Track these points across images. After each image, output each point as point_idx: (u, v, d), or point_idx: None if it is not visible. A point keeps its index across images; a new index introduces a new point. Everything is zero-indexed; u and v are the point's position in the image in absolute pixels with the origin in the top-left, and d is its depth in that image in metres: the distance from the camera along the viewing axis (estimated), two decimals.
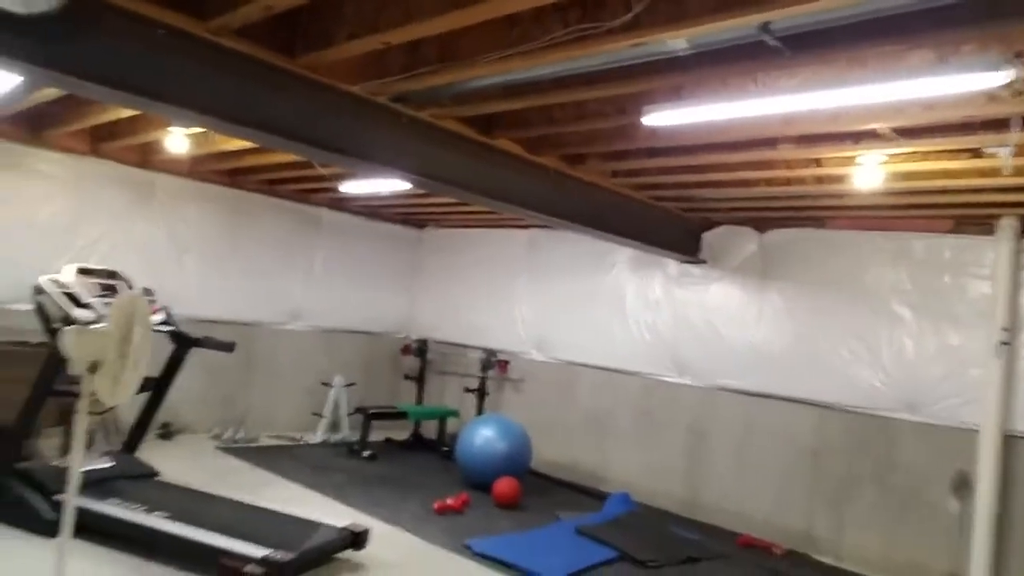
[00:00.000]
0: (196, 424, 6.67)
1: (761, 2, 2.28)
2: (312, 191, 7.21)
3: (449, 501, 5.21)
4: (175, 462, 5.27)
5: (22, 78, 3.69)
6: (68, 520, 2.76)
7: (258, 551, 3.50)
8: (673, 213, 5.84)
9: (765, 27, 2.47)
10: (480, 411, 7.05)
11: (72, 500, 2.75)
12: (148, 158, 6.30)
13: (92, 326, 2.89)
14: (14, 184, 5.69)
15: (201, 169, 6.55)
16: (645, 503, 5.93)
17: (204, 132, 4.92)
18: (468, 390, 7.17)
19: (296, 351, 7.43)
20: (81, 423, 2.84)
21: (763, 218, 5.85)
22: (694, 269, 6.17)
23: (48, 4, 2.43)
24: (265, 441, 6.85)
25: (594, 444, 6.60)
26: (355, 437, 6.97)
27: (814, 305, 5.52)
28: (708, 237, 6.12)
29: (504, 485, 5.46)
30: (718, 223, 6.09)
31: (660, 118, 3.36)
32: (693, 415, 6.04)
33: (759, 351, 5.71)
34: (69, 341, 2.71)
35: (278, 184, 7.05)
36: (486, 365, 7.11)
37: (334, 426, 7.27)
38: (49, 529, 3.91)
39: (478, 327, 7.57)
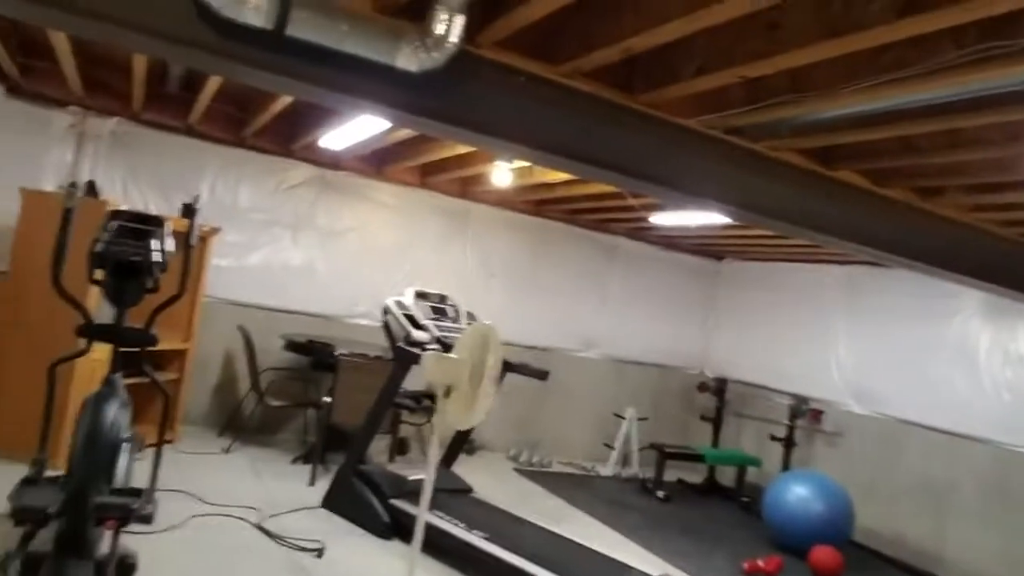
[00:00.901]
0: (493, 442, 7.02)
1: None
2: (611, 221, 7.29)
3: (760, 563, 4.82)
4: (478, 479, 5.53)
5: (389, 124, 4.16)
6: (419, 531, 2.94)
7: None
8: None
9: None
10: (786, 463, 6.51)
11: (423, 514, 2.93)
12: (466, 189, 6.83)
13: (448, 353, 3.09)
14: (363, 213, 6.49)
15: (511, 199, 6.94)
16: None
17: (527, 166, 5.18)
18: (774, 438, 6.66)
19: (588, 379, 7.51)
20: (435, 441, 3.03)
21: None
22: None
23: (436, 62, 2.63)
24: (557, 467, 6.98)
25: (927, 518, 5.70)
26: (646, 474, 6.83)
27: None
28: None
29: (826, 554, 4.92)
30: None
31: None
32: None
33: None
34: (428, 366, 2.92)
35: (580, 214, 7.23)
36: (795, 413, 6.55)
37: (625, 460, 7.21)
38: (383, 530, 4.33)
39: (784, 370, 7.03)
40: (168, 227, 3.50)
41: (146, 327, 3.47)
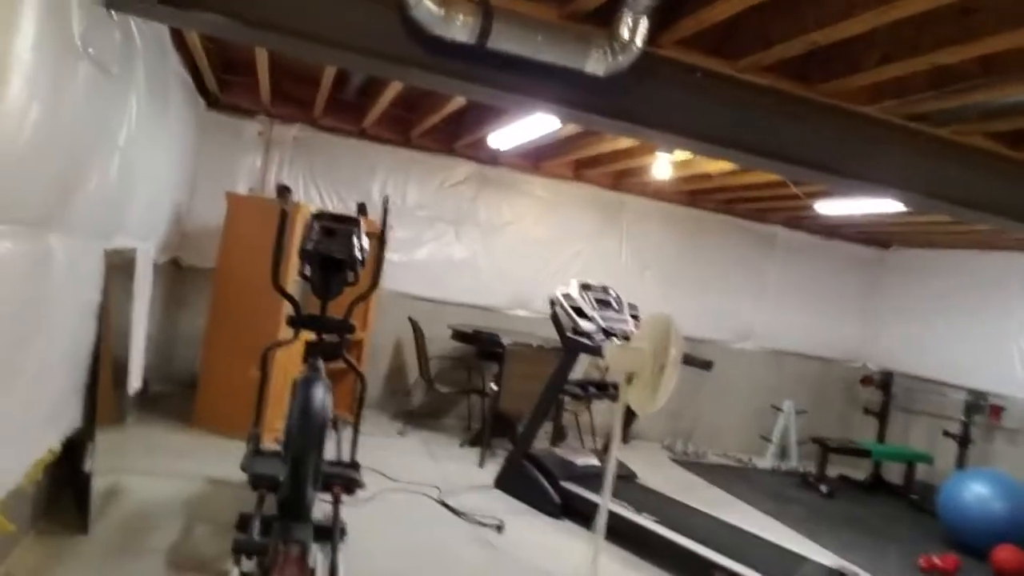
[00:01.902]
0: (647, 432, 7.08)
1: None
2: (768, 210, 7.14)
3: (936, 560, 4.64)
4: (637, 467, 5.64)
5: (560, 123, 4.33)
6: (603, 516, 3.09)
7: (751, 573, 3.53)
8: None
9: None
10: (962, 461, 6.16)
11: (607, 499, 3.08)
12: (619, 181, 6.91)
13: (628, 343, 3.22)
14: (520, 208, 6.74)
15: (665, 190, 6.95)
16: None
17: (688, 157, 5.20)
18: (947, 434, 6.31)
19: (744, 371, 7.41)
20: (616, 426, 3.18)
21: None
22: None
23: (621, 65, 2.76)
24: (712, 459, 6.96)
25: None
26: (805, 467, 6.68)
27: None
28: None
29: (1009, 554, 4.67)
30: None
31: None
32: None
33: None
34: (611, 354, 3.07)
35: (735, 203, 7.13)
36: (972, 409, 6.18)
37: (782, 453, 7.07)
38: (555, 511, 4.53)
39: (958, 363, 6.62)
40: (363, 226, 3.86)
41: (346, 317, 3.85)
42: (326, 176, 6.23)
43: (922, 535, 5.40)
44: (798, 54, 2.92)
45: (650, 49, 2.81)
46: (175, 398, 5.50)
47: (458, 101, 4.69)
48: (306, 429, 3.55)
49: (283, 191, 3.67)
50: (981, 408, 6.17)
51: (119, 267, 3.54)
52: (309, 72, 5.32)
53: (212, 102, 5.91)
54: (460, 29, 2.60)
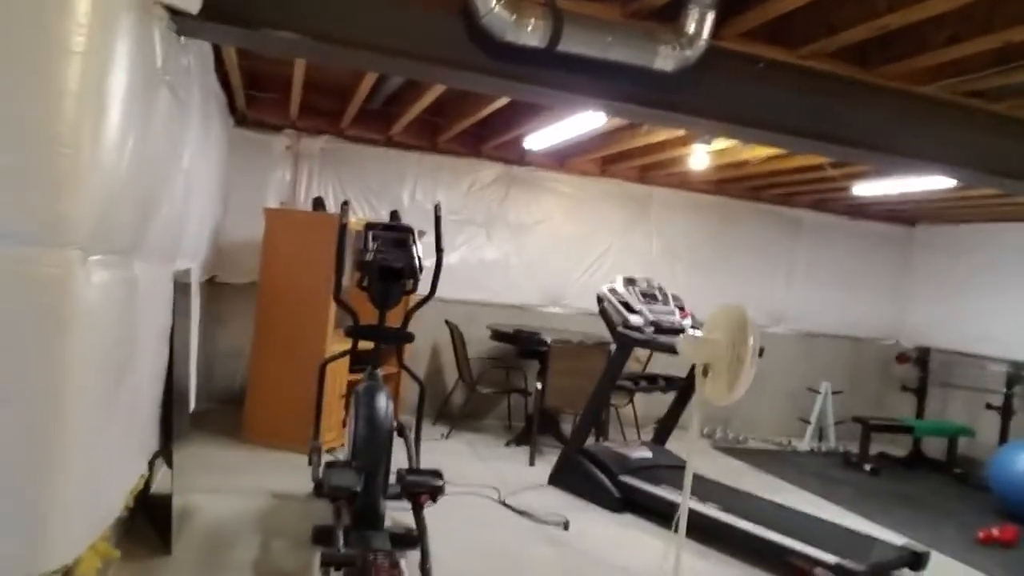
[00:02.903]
0: (687, 422, 7.07)
1: None
2: (794, 194, 7.14)
3: (995, 532, 4.66)
4: (682, 455, 5.66)
5: (604, 120, 4.33)
6: (683, 519, 3.09)
7: (827, 556, 3.55)
8: None
9: None
10: (1004, 433, 6.18)
11: (686, 498, 3.09)
12: (646, 174, 6.91)
13: (700, 334, 3.23)
14: (547, 206, 6.74)
15: (691, 181, 6.95)
16: None
17: (725, 148, 5.19)
18: (990, 407, 6.33)
19: (778, 355, 7.37)
20: (696, 419, 3.20)
21: None
22: None
23: (688, 60, 2.77)
24: (752, 443, 6.98)
25: None
26: (844, 447, 6.70)
27: None
28: None
29: None
30: None
31: None
32: None
33: None
34: (685, 347, 3.08)
35: (762, 189, 7.14)
36: (1014, 380, 6.20)
37: (820, 434, 7.09)
38: (616, 505, 4.55)
39: (995, 335, 6.63)
40: (416, 235, 3.87)
41: (403, 326, 3.86)
42: (355, 185, 6.23)
43: (973, 508, 5.42)
44: (862, 39, 2.92)
45: (715, 42, 2.81)
46: (219, 415, 5.52)
47: (494, 104, 4.69)
48: (375, 438, 3.57)
49: (344, 204, 3.68)
50: (1023, 379, 6.19)
51: (180, 289, 3.55)
52: (338, 84, 5.32)
53: (240, 119, 5.91)
54: (531, 34, 2.61)
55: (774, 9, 2.70)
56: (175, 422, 4.13)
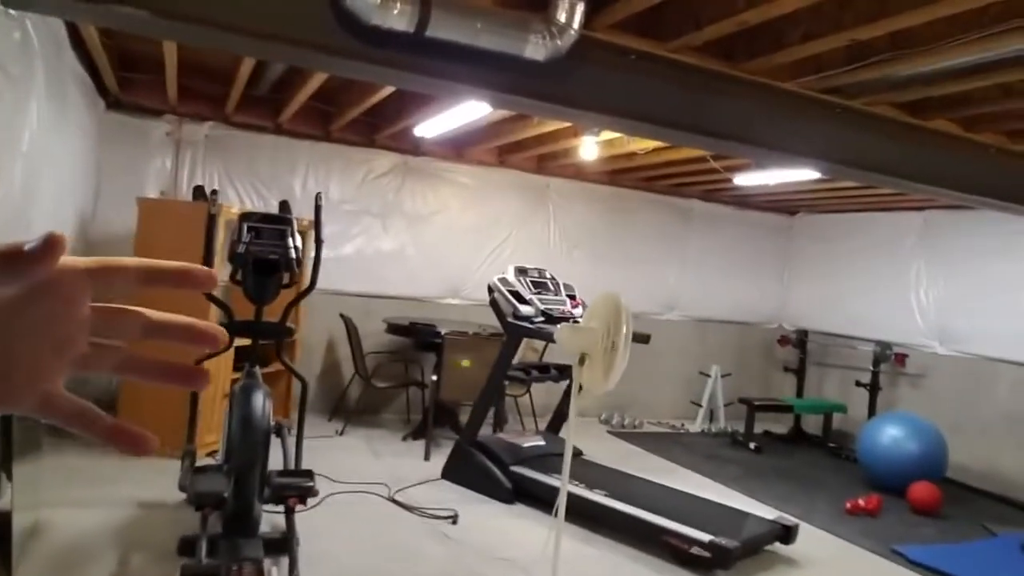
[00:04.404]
0: (586, 408, 7.22)
1: None
2: (685, 184, 7.36)
3: (861, 502, 4.96)
4: (579, 443, 5.74)
5: (489, 109, 4.32)
6: (562, 501, 3.13)
7: (701, 535, 3.68)
8: None
9: None
10: (872, 408, 6.60)
11: (565, 485, 3.13)
12: (543, 164, 6.97)
13: (579, 323, 3.28)
14: (445, 196, 6.70)
15: (587, 171, 7.06)
16: None
17: (614, 138, 5.29)
18: (859, 384, 6.74)
19: (673, 341, 7.65)
20: (573, 409, 3.24)
21: None
22: None
23: (559, 50, 2.78)
24: (648, 428, 7.18)
25: (1019, 450, 5.78)
26: (732, 427, 6.99)
27: None
28: None
29: (924, 490, 5.05)
30: None
31: None
32: None
33: None
34: (562, 336, 3.11)
35: (655, 180, 7.32)
36: (880, 358, 6.62)
37: (711, 416, 7.37)
38: (507, 496, 4.58)
39: (864, 317, 7.07)
40: (296, 225, 3.75)
41: (282, 320, 3.74)
42: (243, 175, 6.00)
43: (846, 480, 5.76)
44: (726, 34, 3.02)
45: (586, 32, 2.84)
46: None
47: (381, 92, 4.61)
48: (249, 439, 3.44)
49: (212, 193, 3.52)
50: (887, 357, 6.62)
51: None
52: (220, 68, 5.10)
53: (112, 102, 5.58)
54: (398, 18, 2.55)
55: (641, 2, 2.75)
56: (14, 431, 3.86)
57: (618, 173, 7.15)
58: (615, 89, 3.15)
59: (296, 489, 3.09)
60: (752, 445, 6.53)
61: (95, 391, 5.52)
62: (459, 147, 6.51)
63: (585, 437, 6.35)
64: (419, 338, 5.86)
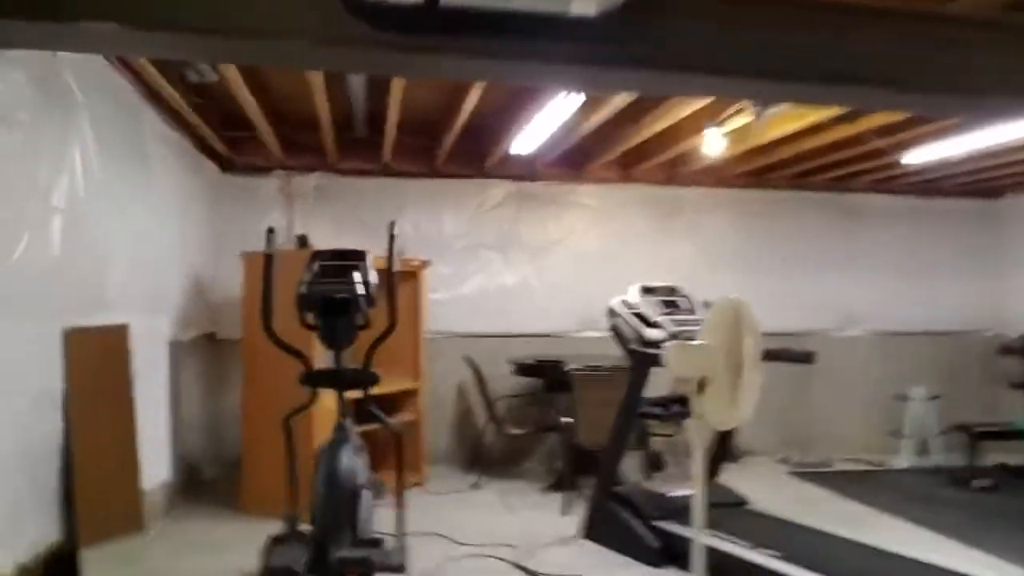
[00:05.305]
0: (758, 446, 6.21)
1: None
2: (849, 176, 6.26)
3: None
4: (749, 487, 4.79)
5: (576, 105, 3.72)
6: (699, 558, 2.39)
7: None
8: None
9: None
10: None
11: (701, 537, 2.38)
12: (673, 173, 6.22)
13: (693, 340, 2.54)
14: (568, 221, 6.15)
15: (727, 175, 6.21)
16: None
17: (741, 128, 4.51)
18: None
19: (856, 360, 6.48)
20: (698, 449, 2.48)
21: None
22: None
23: (614, 1, 2.13)
24: (839, 465, 6.01)
25: None
26: (953, 462, 5.65)
27: None
28: None
29: None
30: None
31: None
32: None
33: None
34: (672, 359, 2.39)
35: (809, 175, 6.30)
36: None
37: (921, 448, 6.05)
38: (653, 557, 3.79)
39: None
40: (370, 260, 3.34)
41: (364, 366, 3.31)
42: (354, 220, 5.79)
43: None
44: None
45: None
46: (225, 482, 5.08)
47: (466, 110, 4.17)
48: (330, 504, 3.02)
49: (269, 232, 3.20)
50: None
51: (105, 347, 3.13)
52: (309, 116, 4.93)
53: (226, 165, 5.62)
54: None
55: None
56: (136, 502, 3.69)
57: (764, 173, 6.22)
58: (705, 40, 2.44)
59: (359, 564, 2.59)
60: (979, 483, 5.20)
61: (226, 455, 5.45)
62: (576, 166, 5.95)
63: (758, 481, 5.37)
64: (549, 377, 5.27)
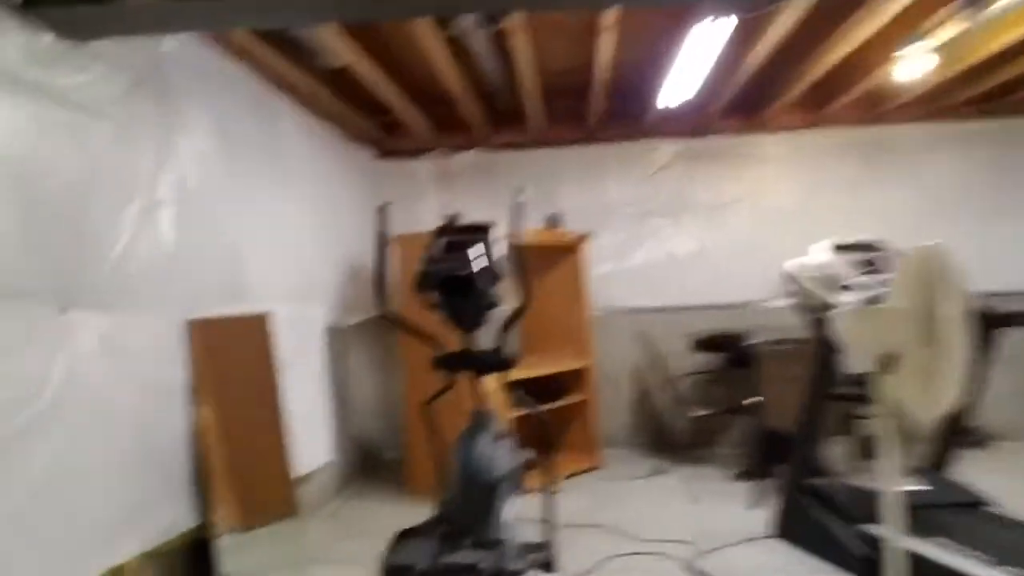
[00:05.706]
0: (1008, 429, 5.11)
1: None
2: None
3: None
4: (995, 484, 3.83)
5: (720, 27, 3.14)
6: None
7: None
8: None
9: None
10: None
11: (900, 546, 1.79)
12: (872, 111, 5.26)
13: (874, 304, 1.93)
14: (748, 178, 5.46)
15: (944, 104, 5.13)
16: None
17: (953, 40, 3.60)
18: None
19: None
20: (887, 444, 1.88)
21: None
22: None
23: None
24: None
25: None
26: None
27: None
28: None
29: None
30: None
31: None
32: None
33: None
34: (843, 328, 1.81)
35: None
36: None
37: None
38: (857, 567, 3.12)
39: None
40: (494, 232, 3.03)
41: (496, 348, 3.01)
42: (506, 195, 5.54)
43: None
44: None
45: None
46: (401, 464, 5.08)
47: (604, 61, 3.70)
48: (467, 494, 2.78)
49: (379, 209, 3.00)
50: None
51: (241, 336, 3.11)
52: (449, 91, 4.72)
53: (382, 151, 5.61)
54: None
55: None
56: (286, 490, 3.68)
57: (994, 98, 5.07)
58: None
59: (464, 571, 2.30)
60: None
61: (399, 438, 5.47)
62: (752, 114, 5.23)
63: (1007, 475, 4.36)
64: (731, 353, 4.67)
